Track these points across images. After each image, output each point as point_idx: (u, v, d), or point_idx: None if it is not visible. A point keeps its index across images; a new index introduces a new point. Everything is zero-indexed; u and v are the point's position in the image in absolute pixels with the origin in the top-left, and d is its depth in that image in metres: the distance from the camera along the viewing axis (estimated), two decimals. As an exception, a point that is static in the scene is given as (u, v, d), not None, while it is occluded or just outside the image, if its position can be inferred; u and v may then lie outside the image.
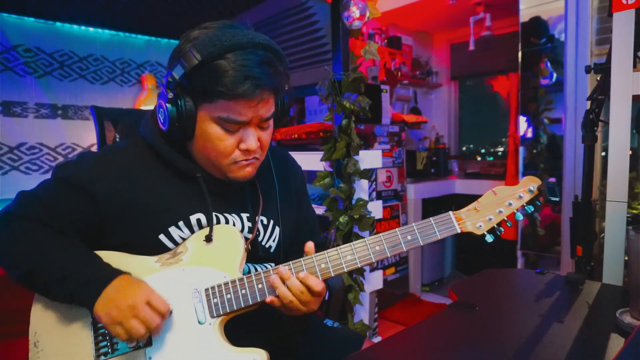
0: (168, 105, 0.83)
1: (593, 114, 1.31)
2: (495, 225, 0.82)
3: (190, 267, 0.87)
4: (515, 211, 0.82)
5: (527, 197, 0.82)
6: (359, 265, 0.84)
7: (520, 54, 2.71)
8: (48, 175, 0.92)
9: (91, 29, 3.03)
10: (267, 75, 0.81)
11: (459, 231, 0.82)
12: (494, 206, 0.83)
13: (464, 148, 4.20)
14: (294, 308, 0.84)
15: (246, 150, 0.87)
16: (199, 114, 0.85)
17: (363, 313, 2.21)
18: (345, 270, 0.84)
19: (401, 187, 2.99)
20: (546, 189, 0.80)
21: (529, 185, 0.82)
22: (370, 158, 2.17)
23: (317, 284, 0.83)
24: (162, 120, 0.87)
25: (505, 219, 0.82)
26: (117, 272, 0.82)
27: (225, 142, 0.86)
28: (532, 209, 0.82)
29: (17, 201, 0.90)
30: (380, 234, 0.84)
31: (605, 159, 2.03)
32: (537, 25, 2.65)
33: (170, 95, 0.83)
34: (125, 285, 0.80)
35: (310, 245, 0.86)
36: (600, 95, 1.31)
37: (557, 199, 0.76)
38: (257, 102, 0.82)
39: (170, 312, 0.83)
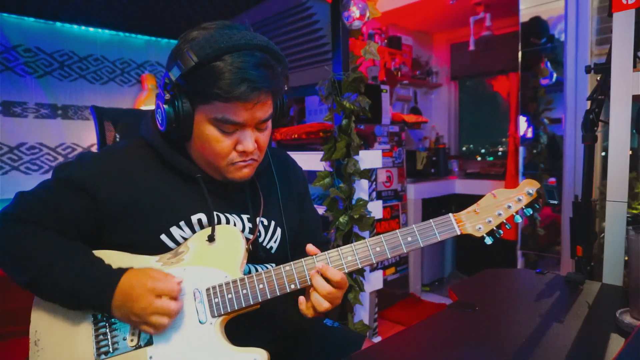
0: (165, 106, 0.83)
1: (593, 114, 1.31)
2: (494, 228, 0.83)
3: (192, 267, 0.87)
4: (514, 214, 0.83)
5: (525, 200, 0.83)
6: (360, 266, 0.84)
7: (520, 54, 2.71)
8: (48, 175, 0.91)
9: (91, 29, 3.02)
10: (264, 78, 0.81)
11: (458, 233, 0.83)
12: (493, 209, 0.83)
13: (464, 148, 4.20)
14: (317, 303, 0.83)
15: (243, 152, 0.87)
16: (196, 116, 0.85)
17: (363, 313, 2.21)
18: (346, 270, 0.84)
19: (401, 187, 2.99)
20: (545, 192, 0.80)
21: (527, 188, 0.83)
22: (370, 158, 2.17)
23: (335, 274, 0.82)
24: (160, 121, 0.87)
25: (505, 221, 0.83)
26: (118, 276, 0.81)
27: (222, 143, 0.85)
28: (531, 212, 0.83)
29: (16, 202, 0.89)
30: (381, 235, 0.84)
31: (605, 159, 2.03)
32: (537, 25, 2.65)
33: (168, 96, 0.83)
34: (129, 289, 0.79)
35: (310, 248, 0.86)
36: (600, 95, 1.32)
37: (556, 202, 0.75)
38: (253, 105, 0.82)
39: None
